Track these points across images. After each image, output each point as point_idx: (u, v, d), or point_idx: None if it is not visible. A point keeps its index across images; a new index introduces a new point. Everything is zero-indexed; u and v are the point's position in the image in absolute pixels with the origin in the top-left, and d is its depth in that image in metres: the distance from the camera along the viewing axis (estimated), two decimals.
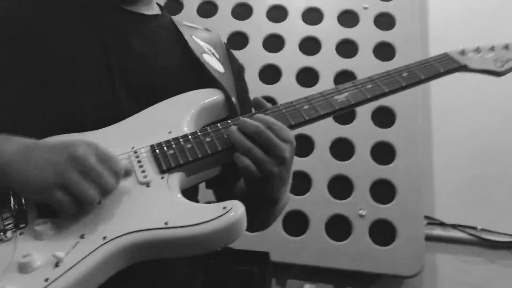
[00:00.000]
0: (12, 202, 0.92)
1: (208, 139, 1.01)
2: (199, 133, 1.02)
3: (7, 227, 0.90)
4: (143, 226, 0.87)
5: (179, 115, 1.07)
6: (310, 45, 2.71)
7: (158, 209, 0.90)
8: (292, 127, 1.05)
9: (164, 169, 0.97)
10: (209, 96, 1.13)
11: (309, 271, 2.38)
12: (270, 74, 2.68)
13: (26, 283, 0.82)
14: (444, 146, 2.63)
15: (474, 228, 2.47)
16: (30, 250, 0.85)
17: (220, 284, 1.80)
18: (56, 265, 0.83)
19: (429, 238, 2.43)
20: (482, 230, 2.47)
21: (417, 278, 2.37)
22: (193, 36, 1.27)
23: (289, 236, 2.38)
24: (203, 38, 1.29)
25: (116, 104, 1.08)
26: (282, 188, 1.08)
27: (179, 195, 0.94)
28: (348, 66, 2.64)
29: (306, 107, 1.07)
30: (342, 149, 2.52)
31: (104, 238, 0.86)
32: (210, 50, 1.26)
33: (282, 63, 2.68)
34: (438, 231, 2.50)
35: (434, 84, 2.68)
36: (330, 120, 2.57)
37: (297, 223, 2.40)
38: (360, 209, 2.39)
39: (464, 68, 1.21)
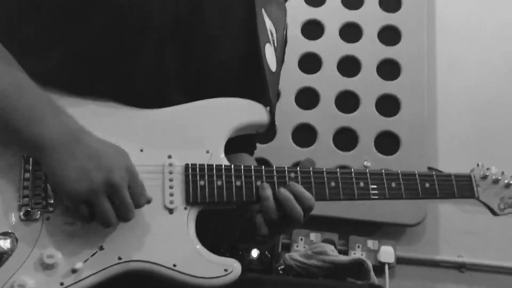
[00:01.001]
0: (47, 183, 0.95)
1: (238, 183, 1.05)
2: (232, 171, 1.05)
3: (36, 206, 0.94)
4: (154, 260, 0.97)
5: (220, 128, 1.09)
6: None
7: (172, 246, 0.99)
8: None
9: (191, 201, 1.02)
10: (257, 116, 1.13)
11: (315, 221, 2.40)
12: None
13: (43, 281, 0.92)
14: (448, 98, 2.63)
15: None
16: (53, 246, 0.94)
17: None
18: (73, 271, 0.93)
19: None
20: None
21: (420, 227, 2.44)
22: (263, 11, 1.20)
23: None
24: (272, 15, 1.23)
25: (166, 79, 1.08)
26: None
27: (194, 238, 1.01)
28: (355, 18, 2.64)
29: (333, 184, 1.09)
30: (347, 101, 2.54)
31: (119, 258, 0.96)
32: (272, 36, 1.21)
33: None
34: None
35: (440, 35, 2.68)
36: (334, 72, 2.58)
37: None
38: (364, 161, 2.43)
39: (475, 199, 1.23)
